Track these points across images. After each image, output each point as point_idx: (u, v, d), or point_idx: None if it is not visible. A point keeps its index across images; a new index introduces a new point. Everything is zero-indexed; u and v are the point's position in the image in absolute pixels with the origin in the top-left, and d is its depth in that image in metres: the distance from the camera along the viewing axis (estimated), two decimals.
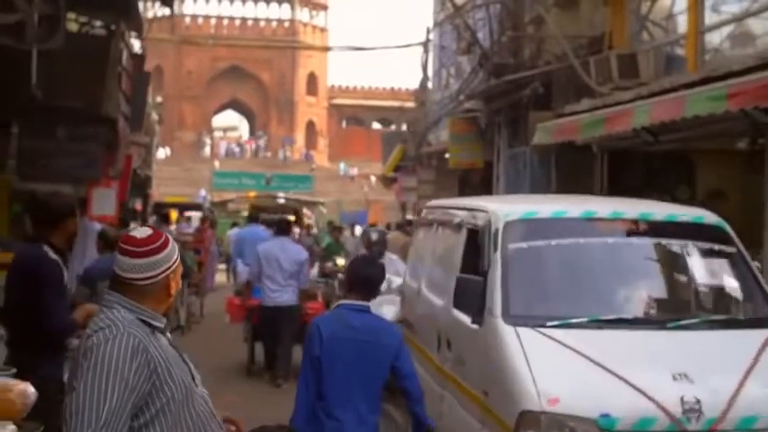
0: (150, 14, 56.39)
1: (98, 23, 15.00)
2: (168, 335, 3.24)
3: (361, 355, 5.26)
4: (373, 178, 68.04)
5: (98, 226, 14.83)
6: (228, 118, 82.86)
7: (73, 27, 15.42)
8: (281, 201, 41.01)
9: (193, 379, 3.20)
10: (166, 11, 49.70)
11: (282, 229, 12.33)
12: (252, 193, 49.16)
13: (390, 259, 11.08)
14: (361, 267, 5.67)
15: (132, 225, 16.14)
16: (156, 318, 3.16)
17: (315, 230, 33.03)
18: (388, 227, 29.32)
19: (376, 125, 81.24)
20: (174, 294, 3.23)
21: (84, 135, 12.67)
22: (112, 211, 14.67)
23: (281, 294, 11.50)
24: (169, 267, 3.14)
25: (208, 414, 3.18)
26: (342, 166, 73.36)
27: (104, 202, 14.44)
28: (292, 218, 23.88)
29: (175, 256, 3.17)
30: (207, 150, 73.34)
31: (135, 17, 15.13)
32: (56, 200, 5.90)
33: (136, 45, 21.14)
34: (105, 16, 14.41)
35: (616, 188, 16.17)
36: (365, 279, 5.51)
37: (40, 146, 12.34)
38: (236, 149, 76.15)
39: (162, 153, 65.10)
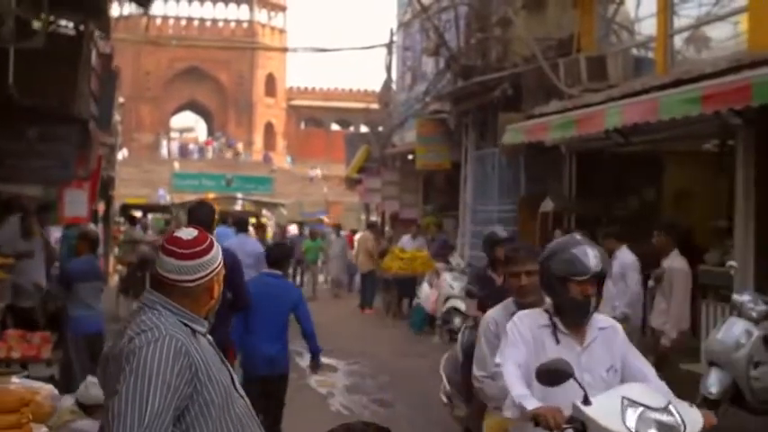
0: (115, 14, 55.90)
1: (64, 23, 14.85)
2: (209, 337, 3.20)
3: (273, 302, 7.87)
4: (318, 171, 68.19)
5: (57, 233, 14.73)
6: (186, 119, 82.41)
7: (37, 26, 15.25)
8: (239, 206, 41.26)
9: (233, 381, 3.18)
10: (125, 11, 49.29)
11: (242, 226, 13.54)
12: (211, 195, 48.93)
13: None
14: (275, 250, 8.58)
15: (91, 226, 16.01)
16: (198, 321, 3.12)
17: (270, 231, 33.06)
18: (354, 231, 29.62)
19: (335, 126, 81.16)
20: (217, 297, 3.19)
21: (55, 135, 12.49)
22: (84, 213, 14.53)
23: None
24: (214, 270, 3.10)
25: (248, 416, 3.16)
26: (289, 158, 73.99)
27: (76, 203, 14.29)
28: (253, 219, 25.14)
29: (220, 259, 3.13)
30: (164, 152, 72.78)
31: (104, 17, 14.98)
32: None
33: (102, 45, 20.95)
34: (74, 16, 14.26)
35: (585, 190, 16.31)
36: (276, 258, 8.27)
37: (9, 146, 12.17)
38: (195, 149, 75.65)
39: (120, 154, 64.55)
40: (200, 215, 7.27)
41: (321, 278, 27.87)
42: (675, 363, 9.83)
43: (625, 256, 9.91)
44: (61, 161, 12.57)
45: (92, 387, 6.07)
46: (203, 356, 3.02)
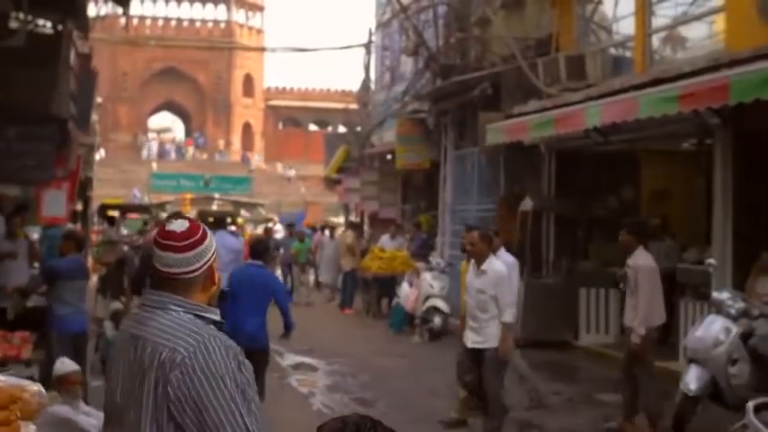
0: (92, 14, 55.63)
1: (42, 22, 14.77)
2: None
3: (255, 287, 9.08)
4: (293, 172, 68.15)
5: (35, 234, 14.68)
6: (163, 119, 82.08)
7: (14, 25, 15.17)
8: (215, 206, 41.30)
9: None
10: (102, 11, 49.02)
11: (221, 224, 14.44)
12: (189, 195, 48.82)
13: None
14: (257, 245, 10.21)
15: (69, 225, 15.95)
16: (211, 310, 3.06)
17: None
18: (323, 228, 29.25)
19: (313, 126, 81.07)
20: (218, 283, 3.16)
21: (34, 135, 12.41)
22: (63, 213, 14.46)
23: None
24: (211, 256, 3.05)
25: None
26: (257, 156, 74.03)
27: (55, 203, 14.22)
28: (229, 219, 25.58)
29: (214, 245, 3.11)
30: (146, 152, 72.49)
31: (82, 17, 14.91)
32: None
33: (80, 45, 20.85)
34: (52, 15, 14.19)
35: (564, 189, 16.39)
36: (258, 251, 9.69)
37: None
38: (170, 150, 75.38)
39: (97, 155, 64.21)
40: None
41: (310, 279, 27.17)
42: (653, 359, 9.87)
43: None
44: (40, 161, 12.47)
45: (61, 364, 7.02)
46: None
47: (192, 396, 2.80)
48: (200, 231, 3.05)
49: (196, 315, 2.99)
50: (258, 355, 8.38)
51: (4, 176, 12.72)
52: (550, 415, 10.46)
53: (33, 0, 12.69)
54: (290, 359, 14.30)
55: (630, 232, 9.41)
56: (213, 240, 3.10)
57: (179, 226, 3.05)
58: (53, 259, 10.34)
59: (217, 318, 3.04)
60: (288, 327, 9.65)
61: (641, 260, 9.25)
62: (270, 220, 39.14)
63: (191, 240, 3.02)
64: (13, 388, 3.33)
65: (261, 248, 9.84)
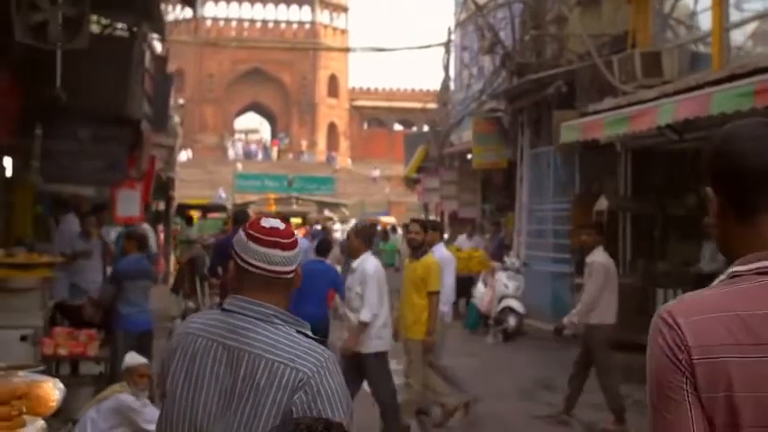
0: (172, 17, 56.65)
1: (120, 25, 15.03)
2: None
3: (318, 280, 9.87)
4: (377, 172, 68.11)
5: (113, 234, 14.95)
6: (250, 120, 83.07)
7: (95, 29, 15.48)
8: (297, 206, 41.64)
9: None
10: (188, 13, 49.78)
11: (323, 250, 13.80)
12: (272, 195, 49.38)
13: None
14: (321, 245, 11.43)
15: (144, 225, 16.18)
16: (307, 326, 2.89)
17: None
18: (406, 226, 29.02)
19: (398, 126, 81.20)
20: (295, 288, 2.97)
21: (107, 136, 12.64)
22: (137, 213, 14.70)
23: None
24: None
25: None
26: (348, 160, 73.78)
27: (129, 203, 14.46)
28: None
29: None
30: (231, 153, 73.51)
31: (157, 19, 15.13)
32: None
33: (158, 47, 21.20)
34: (127, 18, 14.42)
35: (640, 187, 16.10)
36: (321, 250, 11.12)
37: (63, 147, 12.34)
38: (255, 149, 76.27)
39: (183, 156, 65.32)
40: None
41: None
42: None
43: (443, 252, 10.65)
44: (113, 162, 12.73)
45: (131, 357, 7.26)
46: None
47: (314, 416, 2.65)
48: (293, 230, 2.92)
49: (298, 330, 2.83)
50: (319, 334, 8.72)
51: (79, 177, 13.00)
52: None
53: (107, 3, 12.93)
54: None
55: (593, 233, 10.39)
56: None
57: (277, 222, 2.87)
58: (122, 261, 10.50)
59: (309, 333, 2.86)
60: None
61: (596, 257, 9.92)
62: (327, 219, 39.22)
63: (294, 238, 2.86)
64: (16, 384, 3.36)
65: (323, 248, 11.21)
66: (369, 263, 8.83)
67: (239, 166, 67.92)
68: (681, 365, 1.89)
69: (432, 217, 31.14)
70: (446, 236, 26.60)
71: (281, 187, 57.19)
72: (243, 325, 2.75)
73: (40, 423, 3.44)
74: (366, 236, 9.11)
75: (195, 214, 27.23)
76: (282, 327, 2.77)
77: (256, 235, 2.82)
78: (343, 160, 76.43)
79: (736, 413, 1.84)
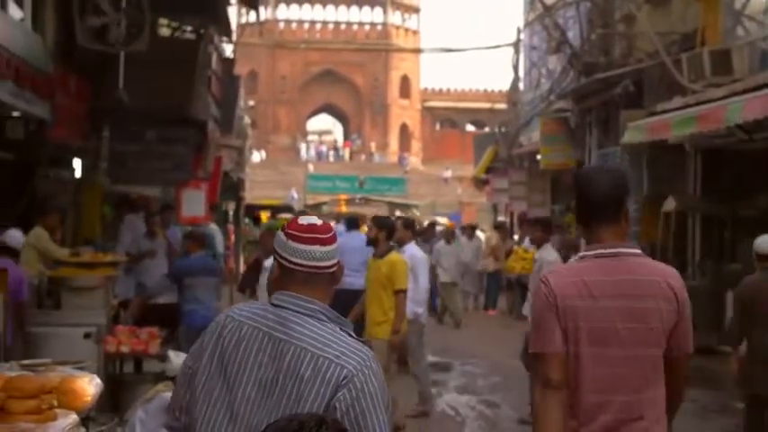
0: (243, 20, 57.29)
1: (189, 28, 15.26)
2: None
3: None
4: (449, 172, 67.86)
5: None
6: (323, 122, 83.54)
7: (165, 32, 15.75)
8: (367, 207, 41.74)
9: None
10: (258, 16, 50.27)
11: (353, 225, 13.77)
12: (343, 196, 49.60)
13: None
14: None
15: (212, 225, 16.33)
16: (350, 325, 2.92)
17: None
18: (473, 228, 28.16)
19: (470, 127, 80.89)
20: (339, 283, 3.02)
21: (173, 137, 12.84)
22: (202, 213, 14.85)
23: (354, 279, 11.65)
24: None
25: None
26: (414, 159, 73.60)
27: (194, 203, 14.63)
28: None
29: None
30: (303, 154, 74.00)
31: (223, 22, 15.33)
32: None
33: (228, 49, 21.45)
34: (195, 21, 14.64)
35: (710, 188, 15.83)
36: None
37: (129, 149, 12.57)
38: (325, 151, 76.65)
39: (257, 156, 65.94)
40: None
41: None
42: None
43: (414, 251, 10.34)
44: (179, 162, 12.92)
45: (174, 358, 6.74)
46: None
47: (357, 413, 2.72)
48: (332, 226, 2.98)
49: (342, 328, 2.87)
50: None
51: (144, 178, 13.22)
52: (682, 422, 10.09)
53: (176, 7, 13.14)
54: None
55: (540, 230, 10.87)
56: None
57: (315, 220, 2.93)
58: (183, 259, 10.62)
59: (351, 332, 2.89)
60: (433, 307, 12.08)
61: (545, 253, 10.23)
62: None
63: (332, 233, 2.90)
64: (46, 379, 3.43)
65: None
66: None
67: (311, 167, 68.31)
68: (551, 306, 3.36)
69: (501, 218, 31.00)
70: (515, 237, 26.46)
71: (353, 188, 57.37)
72: (291, 318, 2.80)
73: (73, 417, 3.49)
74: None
75: (265, 215, 27.40)
76: (328, 324, 2.81)
77: (295, 233, 2.86)
78: (415, 161, 76.41)
79: (579, 334, 3.33)
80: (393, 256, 8.98)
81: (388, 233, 9.07)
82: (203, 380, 2.83)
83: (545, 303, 3.35)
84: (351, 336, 2.84)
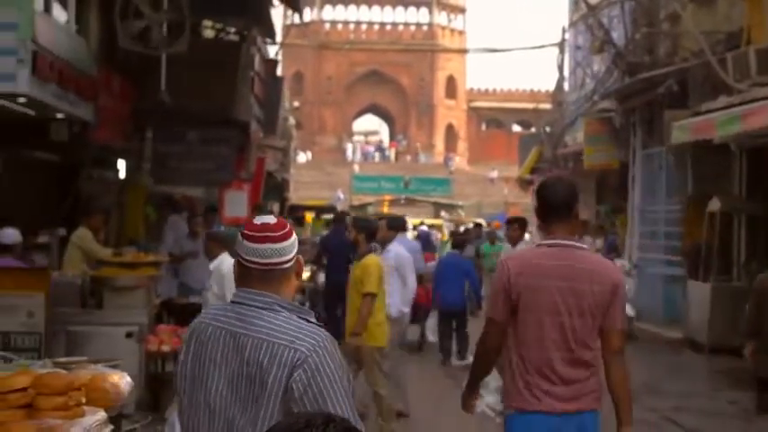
0: (288, 21, 57.55)
1: (232, 30, 15.38)
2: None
3: (453, 269, 13.37)
4: (496, 173, 67.47)
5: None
6: (368, 122, 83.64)
7: (210, 34, 15.90)
8: (409, 206, 41.61)
9: None
10: (305, 17, 50.49)
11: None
12: (387, 197, 49.61)
13: None
14: (457, 238, 15.56)
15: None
16: (311, 313, 3.04)
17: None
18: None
19: (516, 127, 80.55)
20: (301, 276, 3.14)
21: (215, 138, 12.94)
22: (244, 213, 14.94)
23: None
24: (297, 250, 3.08)
25: None
26: (457, 158, 73.36)
27: (237, 204, 14.73)
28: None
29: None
30: (349, 155, 74.11)
31: (266, 23, 15.42)
32: None
33: (271, 51, 21.57)
34: (238, 23, 14.75)
35: (755, 188, 15.65)
36: (457, 243, 14.93)
37: (172, 150, 12.67)
38: (372, 151, 76.71)
39: (303, 157, 66.20)
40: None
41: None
42: None
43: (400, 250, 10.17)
44: (221, 163, 13.01)
45: None
46: None
47: (315, 393, 2.85)
48: (288, 225, 3.08)
49: (299, 316, 3.01)
50: (459, 316, 13.14)
51: (187, 178, 13.33)
52: (722, 424, 10.02)
53: (220, 9, 13.25)
54: (464, 361, 14.26)
55: (518, 228, 11.56)
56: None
57: (268, 218, 3.07)
58: None
59: (314, 321, 3.02)
60: (478, 298, 13.63)
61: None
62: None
63: (285, 231, 3.03)
64: (74, 376, 3.48)
65: (459, 241, 14.85)
66: (225, 265, 8.10)
67: (356, 167, 68.41)
68: (506, 282, 4.27)
69: None
70: None
71: (398, 189, 57.37)
72: (248, 313, 2.96)
73: (101, 414, 3.55)
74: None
75: (309, 215, 27.53)
76: (284, 313, 2.95)
77: (250, 233, 3.03)
78: (461, 161, 76.25)
79: (528, 304, 4.24)
80: (368, 258, 8.56)
81: (368, 235, 8.65)
82: (184, 384, 3.02)
83: (500, 281, 4.32)
84: (309, 321, 2.97)
